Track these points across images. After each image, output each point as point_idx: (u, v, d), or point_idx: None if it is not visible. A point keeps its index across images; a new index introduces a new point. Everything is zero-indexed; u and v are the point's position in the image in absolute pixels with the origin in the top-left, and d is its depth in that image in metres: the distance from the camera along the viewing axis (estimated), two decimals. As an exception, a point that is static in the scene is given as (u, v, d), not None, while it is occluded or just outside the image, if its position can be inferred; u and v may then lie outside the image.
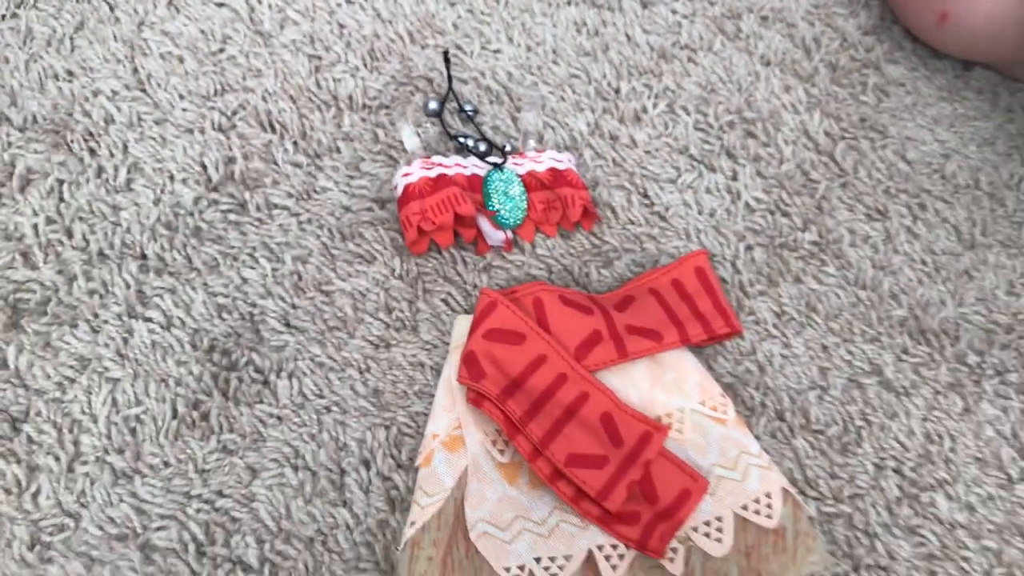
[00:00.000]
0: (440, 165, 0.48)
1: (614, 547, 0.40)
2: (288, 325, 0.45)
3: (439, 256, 0.48)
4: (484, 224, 0.48)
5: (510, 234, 0.49)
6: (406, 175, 0.47)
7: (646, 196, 0.52)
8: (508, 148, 0.51)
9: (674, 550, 0.40)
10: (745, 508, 0.41)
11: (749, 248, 0.51)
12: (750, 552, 0.40)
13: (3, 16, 0.52)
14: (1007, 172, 0.57)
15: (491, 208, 0.48)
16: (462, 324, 0.44)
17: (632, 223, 0.51)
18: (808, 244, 0.52)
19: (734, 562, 0.40)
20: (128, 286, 0.44)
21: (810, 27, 0.61)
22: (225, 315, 0.44)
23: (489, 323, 0.43)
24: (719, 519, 0.41)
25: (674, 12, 0.59)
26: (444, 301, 0.47)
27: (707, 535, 0.41)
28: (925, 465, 0.46)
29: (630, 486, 0.40)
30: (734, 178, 0.53)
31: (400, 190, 0.47)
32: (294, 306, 0.45)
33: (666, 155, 0.53)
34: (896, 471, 0.45)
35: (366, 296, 0.46)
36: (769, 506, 0.41)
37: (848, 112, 0.57)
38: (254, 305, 0.45)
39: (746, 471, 0.42)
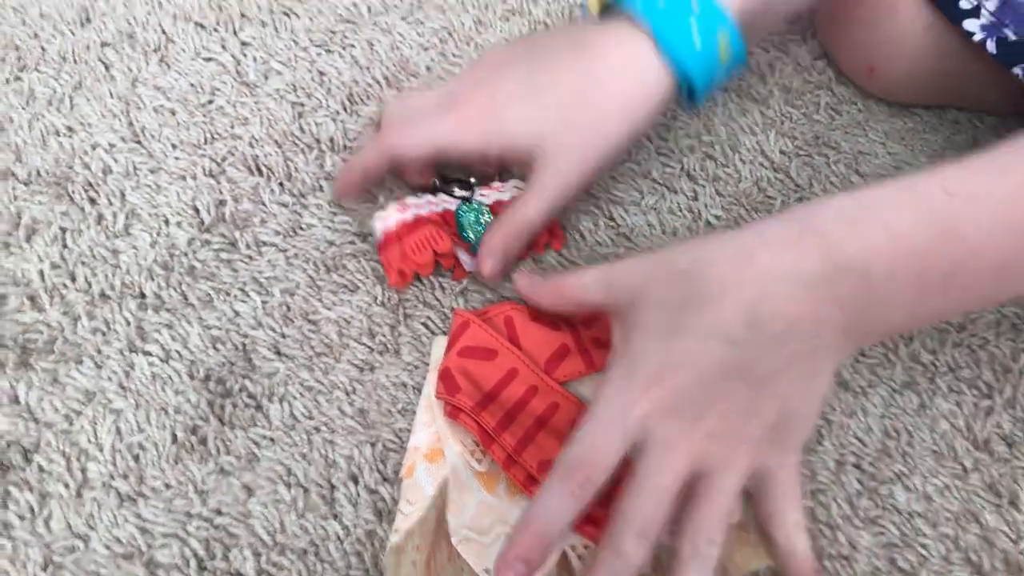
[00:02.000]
0: (414, 206, 0.51)
1: (586, 547, 0.42)
2: (278, 353, 0.48)
3: (419, 283, 0.51)
4: (460, 253, 0.51)
5: (484, 260, 0.52)
6: (383, 220, 0.50)
7: (612, 219, 0.55)
8: (474, 181, 0.54)
9: (643, 547, 0.43)
10: (710, 505, 0.44)
11: (710, 263, 0.54)
12: (716, 546, 0.43)
13: (7, 80, 0.56)
14: (956, 180, 0.60)
15: (465, 239, 0.51)
16: (439, 345, 0.48)
17: (599, 244, 0.54)
18: (766, 256, 0.55)
19: (701, 556, 0.43)
20: (128, 323, 0.48)
21: (765, 53, 0.65)
22: (219, 346, 0.48)
23: (463, 341, 0.46)
24: (685, 516, 0.44)
25: (634, 45, 0.63)
26: (424, 324, 0.50)
27: (672, 532, 0.43)
28: (883, 459, 0.48)
29: (599, 488, 0.43)
30: (695, 198, 0.57)
31: (379, 235, 0.50)
32: (283, 335, 0.48)
33: (630, 180, 0.57)
34: (856, 466, 0.48)
35: (350, 323, 0.49)
36: (732, 502, 0.44)
37: (802, 131, 0.61)
38: (246, 336, 0.48)
39: (710, 470, 0.45)
